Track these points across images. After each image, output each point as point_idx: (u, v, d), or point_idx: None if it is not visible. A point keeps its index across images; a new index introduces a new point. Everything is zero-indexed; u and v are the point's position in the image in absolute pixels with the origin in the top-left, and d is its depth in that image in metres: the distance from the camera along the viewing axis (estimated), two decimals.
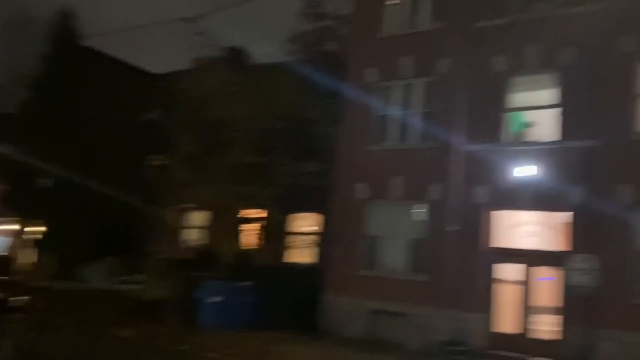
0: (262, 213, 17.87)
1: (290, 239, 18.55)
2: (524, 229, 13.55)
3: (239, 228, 17.89)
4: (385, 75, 15.46)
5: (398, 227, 14.71)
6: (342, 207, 15.57)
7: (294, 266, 17.39)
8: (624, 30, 12.39)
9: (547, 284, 12.75)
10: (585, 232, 12.25)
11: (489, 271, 13.36)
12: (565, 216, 12.73)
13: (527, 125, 14.21)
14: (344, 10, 17.11)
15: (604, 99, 12.59)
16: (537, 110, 13.97)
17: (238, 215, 17.46)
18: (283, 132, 16.31)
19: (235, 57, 20.91)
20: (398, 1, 15.95)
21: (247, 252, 17.43)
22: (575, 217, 12.51)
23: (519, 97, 14.08)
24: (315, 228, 17.97)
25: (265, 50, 17.62)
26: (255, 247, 18.12)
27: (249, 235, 18.42)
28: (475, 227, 13.56)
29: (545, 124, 13.73)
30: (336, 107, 16.14)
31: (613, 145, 12.25)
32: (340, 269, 15.12)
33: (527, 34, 13.61)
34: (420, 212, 14.48)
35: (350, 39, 16.73)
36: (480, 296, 13.33)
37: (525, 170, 13.12)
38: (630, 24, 12.40)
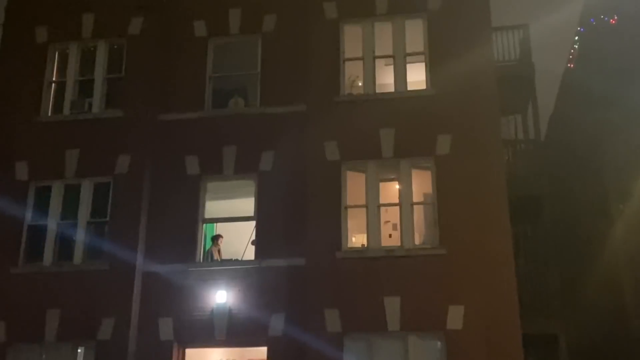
0: None
1: None
2: None
3: None
4: (41, 173, 14.61)
5: None
6: None
7: None
8: (328, 137, 13.77)
9: None
10: None
11: None
12: (263, 351, 13.05)
13: (219, 239, 14.65)
14: None
15: (308, 211, 13.45)
16: (235, 223, 14.62)
17: None
18: None
19: None
20: (62, 79, 15.58)
21: None
22: (274, 352, 12.88)
23: (214, 207, 14.47)
24: None
25: None
26: None
27: None
28: None
29: (242, 239, 14.46)
30: None
31: (318, 264, 13.01)
32: None
33: (224, 133, 14.43)
34: (83, 355, 13.37)
35: None
36: None
37: (218, 297, 13.22)
38: (331, 130, 13.88)
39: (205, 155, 14.41)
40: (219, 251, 14.47)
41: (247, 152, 14.26)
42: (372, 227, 13.32)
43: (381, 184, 13.69)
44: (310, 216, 13.44)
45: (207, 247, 14.54)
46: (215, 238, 14.61)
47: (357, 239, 13.83)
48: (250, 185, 14.23)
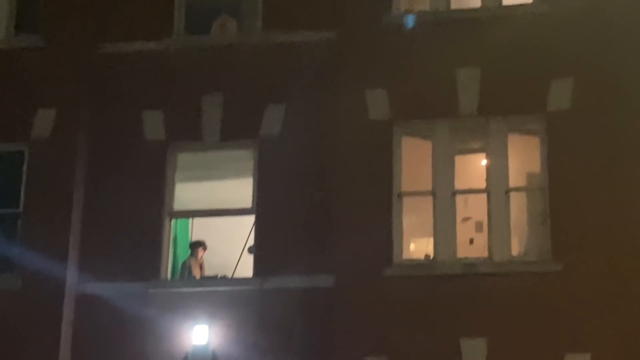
0: None
1: None
2: None
3: None
4: None
5: None
6: None
7: None
8: (372, 82, 12.92)
9: None
10: None
11: None
12: None
13: (199, 249, 14.20)
14: None
15: (339, 201, 12.72)
16: (222, 220, 14.31)
17: None
18: None
19: None
20: None
21: None
22: None
23: (189, 193, 13.95)
24: None
25: None
26: None
27: None
28: None
29: (233, 245, 14.29)
30: None
31: (355, 286, 12.31)
32: None
33: (204, 74, 13.77)
34: None
35: None
36: None
37: (196, 335, 12.47)
38: (376, 71, 13.04)
39: (175, 109, 13.67)
40: (200, 266, 13.89)
41: (241, 106, 13.51)
42: (443, 228, 12.53)
43: (457, 159, 12.89)
44: (342, 209, 12.74)
45: (180, 258, 14.16)
46: (195, 246, 14.03)
47: (417, 246, 13.45)
48: (247, 158, 13.63)
